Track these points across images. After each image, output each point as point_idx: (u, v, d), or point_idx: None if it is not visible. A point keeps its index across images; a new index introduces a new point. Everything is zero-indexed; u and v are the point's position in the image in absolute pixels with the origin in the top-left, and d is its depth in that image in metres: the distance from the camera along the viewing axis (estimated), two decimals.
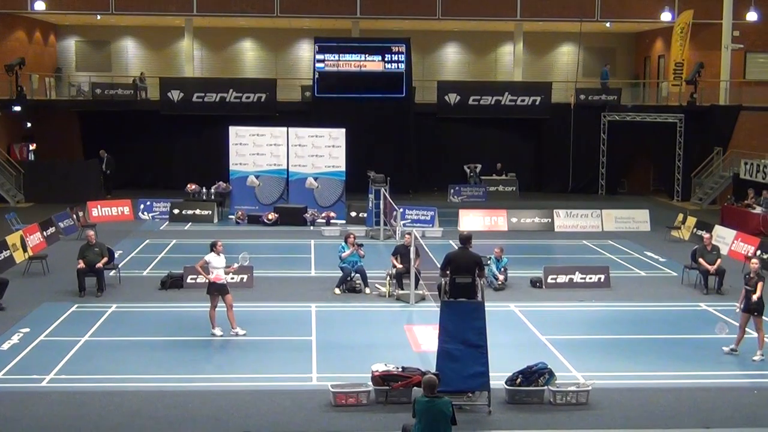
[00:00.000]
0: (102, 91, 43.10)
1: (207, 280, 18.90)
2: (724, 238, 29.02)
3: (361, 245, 23.49)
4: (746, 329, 17.69)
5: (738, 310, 17.85)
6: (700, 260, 23.30)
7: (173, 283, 22.94)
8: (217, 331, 18.62)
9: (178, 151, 43.05)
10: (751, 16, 41.91)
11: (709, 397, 15.39)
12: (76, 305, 21.10)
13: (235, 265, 19.68)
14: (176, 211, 34.22)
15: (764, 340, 17.46)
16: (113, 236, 28.80)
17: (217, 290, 18.65)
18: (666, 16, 43.35)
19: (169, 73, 46.49)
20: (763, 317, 17.69)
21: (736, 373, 16.79)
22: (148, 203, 35.06)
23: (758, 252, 26.53)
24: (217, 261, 18.71)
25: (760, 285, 17.57)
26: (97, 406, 14.62)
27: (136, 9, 43.82)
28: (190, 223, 33.53)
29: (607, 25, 46.21)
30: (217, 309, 18.69)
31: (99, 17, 45.10)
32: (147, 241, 29.94)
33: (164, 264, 25.81)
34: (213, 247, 18.87)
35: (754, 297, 17.46)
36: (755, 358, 17.34)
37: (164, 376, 16.14)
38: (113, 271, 23.45)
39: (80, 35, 49.24)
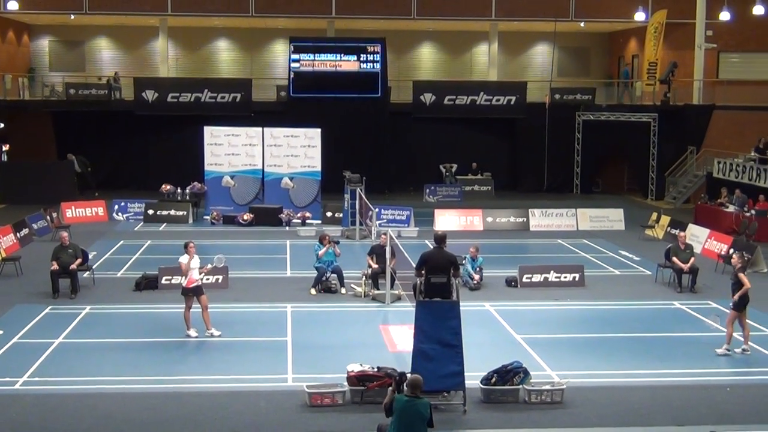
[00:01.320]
0: (76, 91, 42.83)
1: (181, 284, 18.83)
2: (698, 236, 29.21)
3: (337, 242, 23.50)
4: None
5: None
6: (674, 259, 23.44)
7: (148, 284, 22.85)
8: (192, 333, 18.56)
9: (152, 152, 42.84)
10: (724, 15, 42.17)
11: (683, 394, 15.49)
12: (49, 307, 20.97)
13: (209, 266, 19.61)
14: (151, 211, 34.08)
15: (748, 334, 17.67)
16: (87, 237, 28.65)
17: (192, 291, 18.58)
18: (640, 16, 43.60)
19: (143, 73, 46.32)
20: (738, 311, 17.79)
21: (709, 371, 16.89)
22: (123, 204, 34.90)
23: (731, 251, 26.70)
24: (191, 262, 18.63)
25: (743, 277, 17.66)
26: (71, 409, 14.54)
27: (111, 9, 43.62)
28: (164, 224, 33.39)
29: (582, 24, 46.45)
30: (192, 310, 18.62)
31: (73, 17, 44.87)
32: (121, 242, 29.81)
33: (139, 265, 25.69)
34: (185, 248, 18.79)
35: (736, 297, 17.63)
36: (737, 350, 17.59)
37: (139, 377, 16.08)
38: (87, 272, 23.31)
39: (54, 35, 48.95)
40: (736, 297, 17.68)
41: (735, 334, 17.75)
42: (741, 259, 18.22)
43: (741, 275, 17.66)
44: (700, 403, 15.10)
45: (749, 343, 17.80)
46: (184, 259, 18.59)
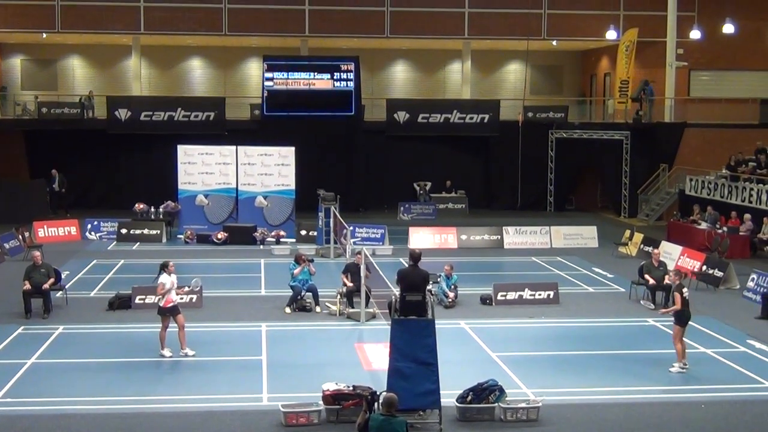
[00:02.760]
0: (48, 110, 42.64)
1: (157, 302, 18.70)
2: (671, 253, 29.35)
3: (312, 260, 23.46)
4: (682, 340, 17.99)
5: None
6: (647, 276, 23.55)
7: (121, 304, 22.69)
8: (166, 352, 18.45)
9: (125, 171, 42.67)
10: (695, 34, 42.57)
11: (658, 411, 15.54)
12: (21, 327, 20.77)
13: (186, 289, 19.49)
14: (124, 231, 33.90)
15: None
16: (60, 257, 28.43)
17: (169, 311, 18.47)
18: (611, 35, 43.94)
19: (116, 92, 46.17)
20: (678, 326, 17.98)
21: (684, 388, 16.97)
22: (96, 223, 34.68)
23: (704, 267, 26.91)
24: (169, 282, 18.54)
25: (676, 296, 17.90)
26: (45, 430, 14.41)
27: (83, 27, 43.49)
28: (138, 243, 33.21)
29: (554, 43, 46.76)
30: (167, 329, 18.51)
31: (45, 35, 44.69)
32: (94, 261, 29.61)
33: (112, 284, 25.49)
34: (164, 268, 18.66)
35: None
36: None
37: (113, 398, 15.94)
38: (60, 292, 23.11)
39: (26, 53, 48.74)
40: (665, 311, 18.61)
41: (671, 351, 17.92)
42: (677, 277, 18.36)
43: (676, 294, 17.86)
44: (675, 420, 15.14)
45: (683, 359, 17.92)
46: (166, 279, 18.45)
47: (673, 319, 17.97)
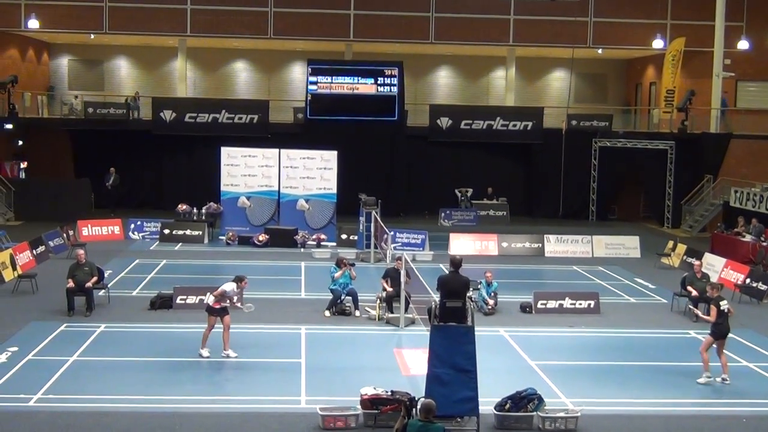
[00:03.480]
0: (94, 110, 43.07)
1: (207, 302, 18.86)
2: (714, 265, 29.07)
3: (353, 264, 23.51)
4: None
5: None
6: (690, 287, 23.33)
7: (163, 304, 22.87)
8: (205, 353, 18.57)
9: (169, 171, 43.06)
10: (742, 44, 42.21)
11: (698, 424, 15.40)
12: (64, 324, 21.01)
13: (238, 304, 19.40)
14: (167, 231, 34.17)
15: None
16: (103, 256, 28.70)
17: (217, 312, 18.64)
18: (658, 44, 43.64)
19: (161, 93, 46.57)
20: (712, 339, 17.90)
21: (724, 401, 16.81)
22: (139, 223, 34.99)
23: (747, 280, 26.62)
24: (232, 292, 18.74)
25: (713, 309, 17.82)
26: (85, 427, 14.56)
27: (130, 29, 43.92)
28: (180, 244, 33.46)
29: (599, 51, 46.49)
30: (213, 330, 18.65)
31: (92, 36, 45.19)
32: (137, 261, 29.87)
33: (154, 284, 25.74)
34: (239, 281, 18.93)
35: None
36: (717, 379, 17.71)
37: (153, 397, 16.08)
38: (102, 290, 23.36)
39: (73, 54, 49.30)
40: (700, 316, 18.94)
41: (714, 363, 17.73)
42: (715, 290, 18.19)
43: (712, 306, 17.75)
44: None
45: (727, 373, 17.76)
46: (230, 287, 18.64)
47: (709, 329, 17.87)
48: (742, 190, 37.25)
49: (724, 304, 17.71)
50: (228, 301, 18.74)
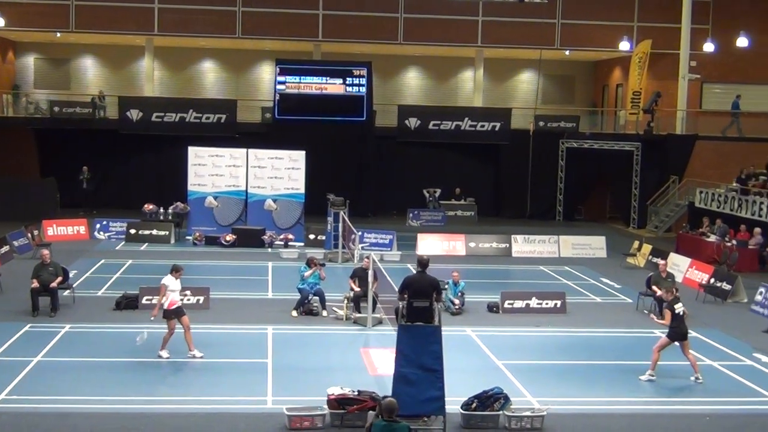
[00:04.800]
0: (60, 109, 42.77)
1: (162, 305, 18.66)
2: (679, 265, 29.33)
3: (323, 265, 23.50)
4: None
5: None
6: (654, 287, 23.50)
7: (128, 304, 22.74)
8: (164, 354, 18.44)
9: (135, 171, 42.79)
10: (708, 47, 42.61)
11: (663, 423, 15.52)
12: (29, 325, 20.83)
13: (162, 300, 18.96)
14: (133, 231, 33.96)
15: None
16: (68, 256, 28.50)
17: (174, 313, 18.49)
18: (624, 46, 43.96)
19: (128, 92, 46.27)
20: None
21: (689, 400, 16.95)
22: (104, 223, 34.78)
23: (712, 280, 26.86)
24: (173, 284, 18.55)
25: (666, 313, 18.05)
26: (49, 428, 14.44)
27: (96, 27, 43.64)
28: (146, 244, 33.28)
29: (567, 53, 46.75)
30: (174, 332, 18.54)
31: (59, 35, 44.86)
32: (102, 261, 29.68)
33: (119, 284, 25.57)
34: (174, 271, 18.72)
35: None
36: (691, 378, 17.95)
37: (118, 397, 15.97)
38: (67, 290, 23.17)
39: (39, 52, 48.84)
40: (654, 319, 19.14)
41: (684, 363, 17.91)
42: (670, 293, 18.34)
43: (666, 310, 17.98)
44: None
45: (698, 372, 17.96)
46: (169, 281, 18.47)
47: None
48: (707, 191, 37.56)
49: (679, 307, 17.84)
50: (176, 293, 18.49)
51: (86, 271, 27.55)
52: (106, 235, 34.41)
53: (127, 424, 14.65)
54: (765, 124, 43.51)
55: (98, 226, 34.60)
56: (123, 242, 33.56)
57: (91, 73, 49.31)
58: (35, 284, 21.90)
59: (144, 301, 22.60)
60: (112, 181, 42.90)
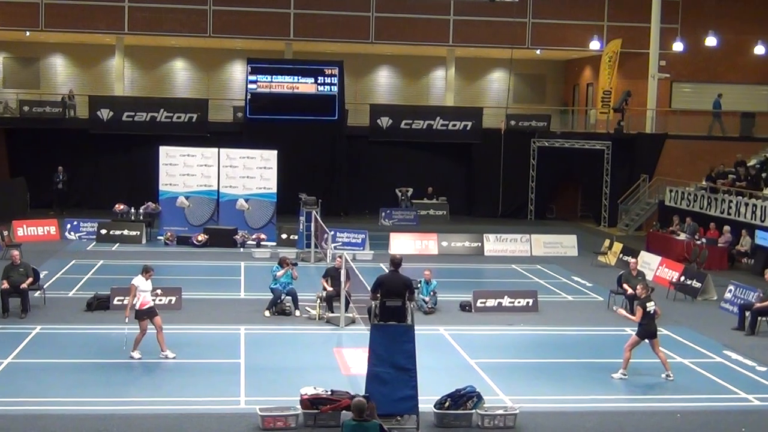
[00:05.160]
0: (30, 108, 42.44)
1: (133, 306, 18.55)
2: (649, 264, 29.53)
3: (296, 264, 23.48)
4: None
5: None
6: (625, 285, 23.64)
7: (100, 305, 22.62)
8: (135, 354, 18.36)
9: (106, 171, 42.53)
10: (677, 46, 42.91)
11: (634, 420, 15.62)
12: None
13: (134, 301, 18.81)
14: (104, 231, 33.76)
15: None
16: (39, 256, 28.30)
17: (146, 314, 18.41)
18: (595, 45, 44.18)
19: (98, 92, 45.97)
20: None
21: (660, 397, 17.08)
22: (75, 223, 34.55)
23: (682, 278, 27.06)
24: (144, 285, 18.47)
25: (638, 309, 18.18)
26: (20, 430, 14.33)
27: (66, 26, 43.35)
28: (117, 244, 33.10)
29: (538, 52, 46.93)
30: (147, 333, 18.46)
31: (28, 33, 44.50)
32: (73, 261, 29.49)
33: (91, 285, 25.40)
34: (145, 272, 18.65)
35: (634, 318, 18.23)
36: (663, 375, 18.05)
37: (90, 399, 15.88)
38: (38, 291, 23.00)
39: (8, 51, 48.45)
40: (621, 313, 19.21)
41: (654, 361, 18.01)
42: (644, 290, 18.50)
43: (638, 307, 18.13)
44: (650, 429, 15.23)
45: (669, 369, 18.08)
46: (139, 281, 18.39)
47: (636, 328, 18.24)
48: (677, 189, 37.83)
49: (651, 306, 17.95)
50: (148, 293, 18.42)
51: (57, 272, 27.37)
52: (77, 235, 34.19)
53: (99, 426, 14.57)
54: (734, 122, 43.92)
55: (69, 226, 34.38)
56: (94, 243, 33.35)
57: (60, 72, 48.98)
58: (5, 285, 21.74)
59: (115, 301, 22.47)
60: (83, 181, 42.64)
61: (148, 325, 18.42)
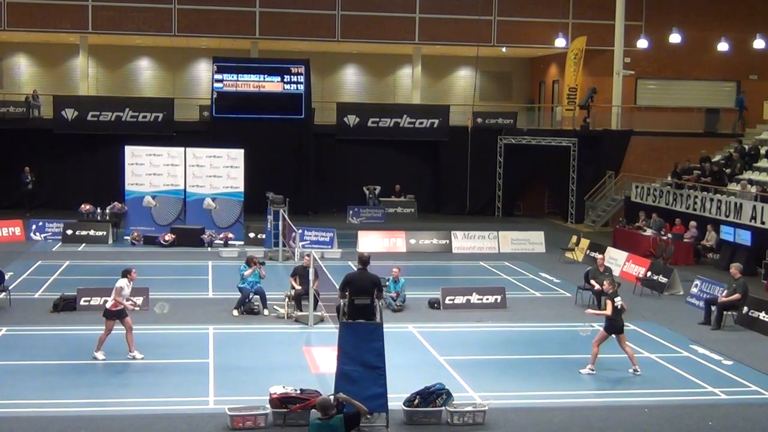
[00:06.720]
0: None
1: (104, 305, 18.43)
2: (616, 259, 29.73)
3: (263, 263, 23.43)
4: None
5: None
6: (593, 281, 23.78)
7: (66, 306, 22.45)
8: (99, 355, 18.24)
9: (71, 171, 42.16)
10: (642, 43, 43.20)
11: (602, 415, 15.72)
12: None
13: (128, 304, 18.84)
14: (69, 231, 33.51)
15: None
16: (3, 257, 28.07)
17: (115, 315, 18.28)
18: (560, 42, 44.41)
19: (63, 91, 45.58)
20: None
21: (627, 392, 17.20)
22: (41, 224, 34.26)
23: (648, 273, 27.26)
24: (127, 289, 18.38)
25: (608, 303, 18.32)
26: None
27: (29, 25, 42.97)
28: (84, 244, 32.86)
29: (503, 50, 47.09)
30: (113, 332, 18.31)
31: None
32: (39, 262, 29.24)
33: (57, 286, 25.19)
34: (127, 274, 18.53)
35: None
36: (630, 370, 18.17)
37: (57, 401, 15.76)
38: (3, 293, 22.80)
39: None
40: (592, 312, 19.40)
41: (620, 356, 18.12)
42: (612, 285, 18.67)
43: (608, 301, 18.30)
44: (618, 424, 15.33)
45: (636, 364, 18.21)
46: (124, 284, 18.29)
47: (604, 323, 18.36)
48: (642, 185, 38.11)
49: (618, 300, 18.10)
50: (124, 300, 18.34)
51: (22, 273, 27.11)
52: (43, 236, 33.90)
53: (66, 428, 14.47)
54: (698, 119, 44.31)
55: (34, 227, 34.07)
56: (60, 243, 33.09)
57: (24, 71, 48.56)
58: None
59: (82, 302, 22.34)
60: (48, 181, 42.24)
61: (114, 326, 18.29)
